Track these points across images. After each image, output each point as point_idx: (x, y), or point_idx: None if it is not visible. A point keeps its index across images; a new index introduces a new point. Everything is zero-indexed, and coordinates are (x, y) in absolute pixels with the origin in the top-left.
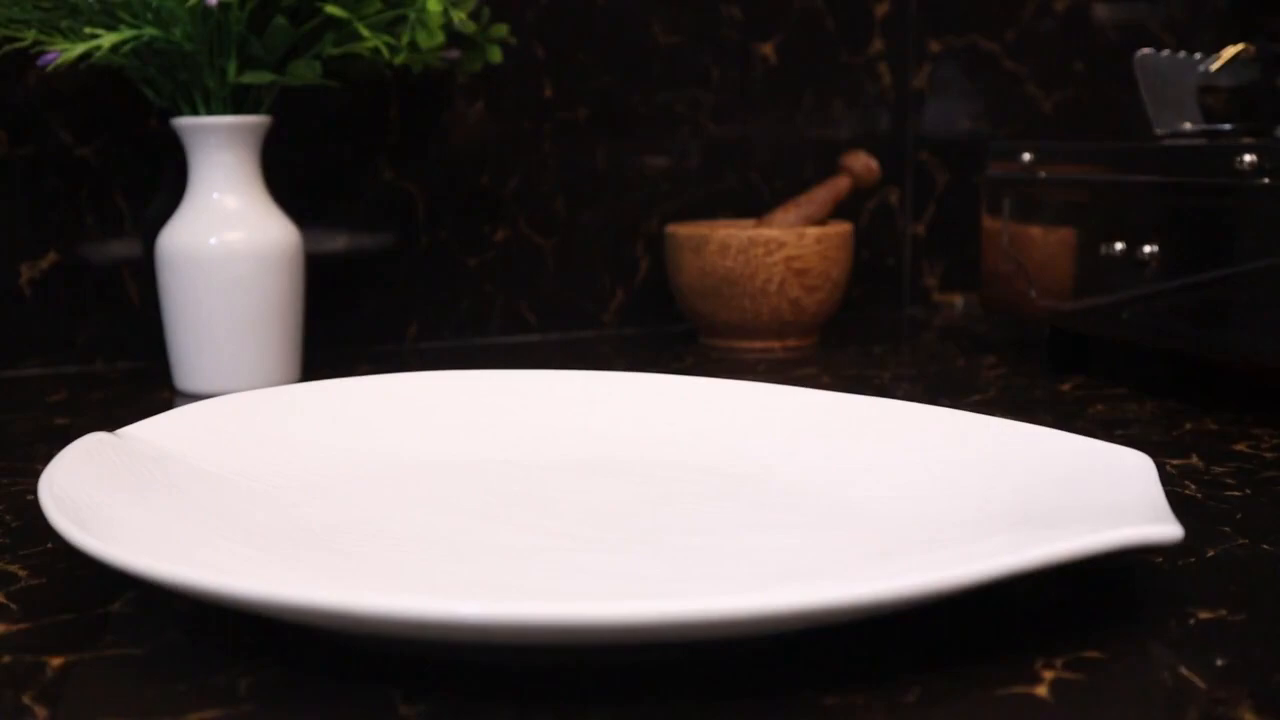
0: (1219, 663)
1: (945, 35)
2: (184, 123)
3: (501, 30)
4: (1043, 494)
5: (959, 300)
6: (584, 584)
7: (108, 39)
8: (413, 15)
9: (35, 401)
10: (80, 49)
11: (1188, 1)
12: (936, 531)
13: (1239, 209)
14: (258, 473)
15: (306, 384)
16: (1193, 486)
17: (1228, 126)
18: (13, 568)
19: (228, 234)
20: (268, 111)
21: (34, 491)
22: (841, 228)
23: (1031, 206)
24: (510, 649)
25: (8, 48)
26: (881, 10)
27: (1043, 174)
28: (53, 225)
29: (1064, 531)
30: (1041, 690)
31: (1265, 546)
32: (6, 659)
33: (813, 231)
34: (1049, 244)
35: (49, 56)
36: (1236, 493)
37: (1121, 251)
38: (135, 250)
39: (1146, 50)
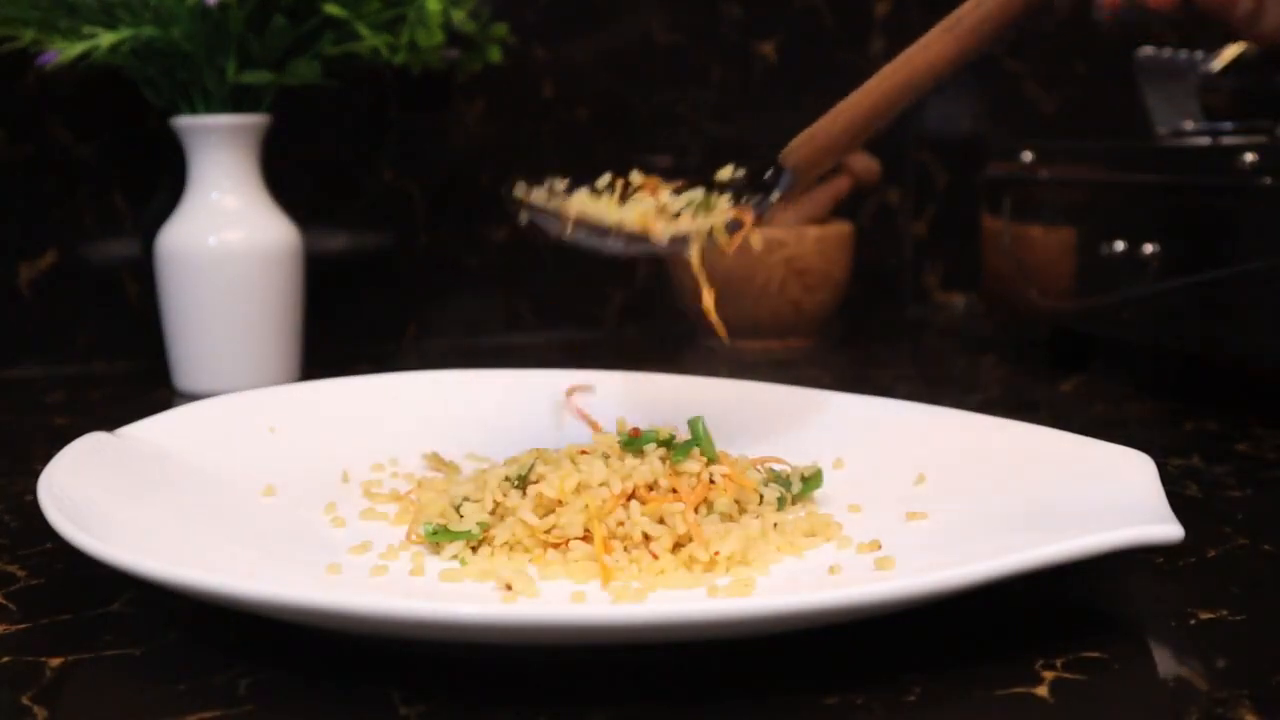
0: (1219, 663)
1: None
2: (183, 122)
3: (501, 30)
4: (1043, 494)
5: (959, 300)
6: (583, 584)
7: (106, 38)
8: (412, 14)
9: (35, 401)
10: (79, 48)
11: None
12: (937, 531)
13: (1239, 209)
14: (257, 473)
15: (305, 384)
16: (1193, 486)
17: (1229, 126)
18: (12, 568)
19: (227, 234)
20: (267, 111)
21: (33, 491)
22: (841, 228)
23: (1031, 206)
24: (510, 649)
25: (6, 47)
26: (881, 10)
27: (1043, 174)
28: (52, 225)
29: (1064, 531)
30: (1041, 690)
31: (1266, 547)
32: (6, 659)
33: (813, 231)
34: (1049, 244)
35: (47, 56)
36: (1237, 493)
37: (1122, 251)
38: (135, 250)
39: (1148, 49)
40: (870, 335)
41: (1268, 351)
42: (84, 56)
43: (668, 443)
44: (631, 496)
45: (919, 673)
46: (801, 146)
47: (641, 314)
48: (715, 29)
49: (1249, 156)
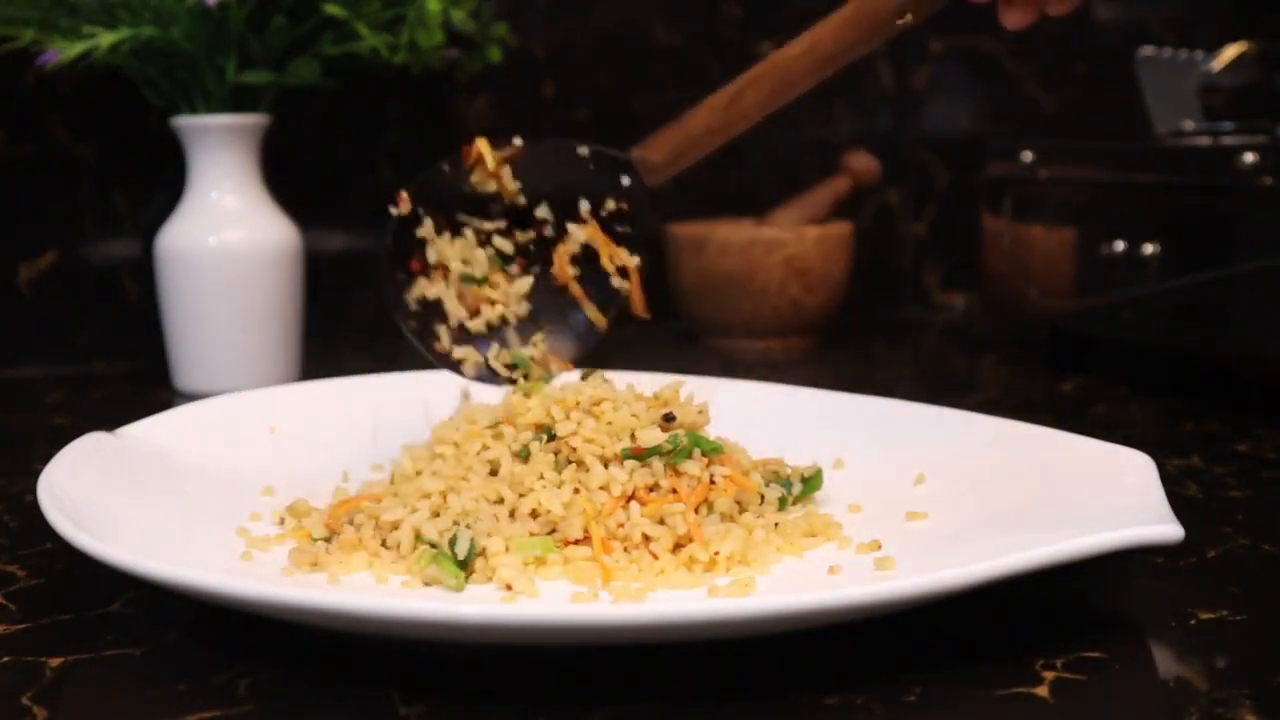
0: (1219, 663)
1: (946, 35)
2: (183, 122)
3: (501, 30)
4: (1043, 494)
5: (959, 300)
6: (583, 584)
7: (106, 38)
8: (412, 14)
9: (35, 401)
10: (79, 48)
11: (1189, 1)
12: (937, 531)
13: (1239, 209)
14: (256, 473)
15: (304, 384)
16: (1194, 486)
17: (1229, 126)
18: (12, 568)
19: (227, 234)
20: (267, 111)
21: (33, 491)
22: (841, 228)
23: (1032, 206)
24: (510, 649)
25: (6, 47)
26: None
27: (1043, 174)
28: (52, 225)
29: (1064, 531)
30: (1041, 690)
31: (1266, 547)
32: (6, 659)
33: (813, 231)
34: (1049, 244)
35: (48, 55)
36: (1238, 493)
37: (1122, 251)
38: (135, 250)
39: (1148, 49)
40: (870, 335)
41: (1268, 351)
42: (84, 56)
43: (669, 450)
44: (631, 497)
45: (919, 673)
46: (657, 143)
47: None
48: (715, 29)
49: (1249, 156)
